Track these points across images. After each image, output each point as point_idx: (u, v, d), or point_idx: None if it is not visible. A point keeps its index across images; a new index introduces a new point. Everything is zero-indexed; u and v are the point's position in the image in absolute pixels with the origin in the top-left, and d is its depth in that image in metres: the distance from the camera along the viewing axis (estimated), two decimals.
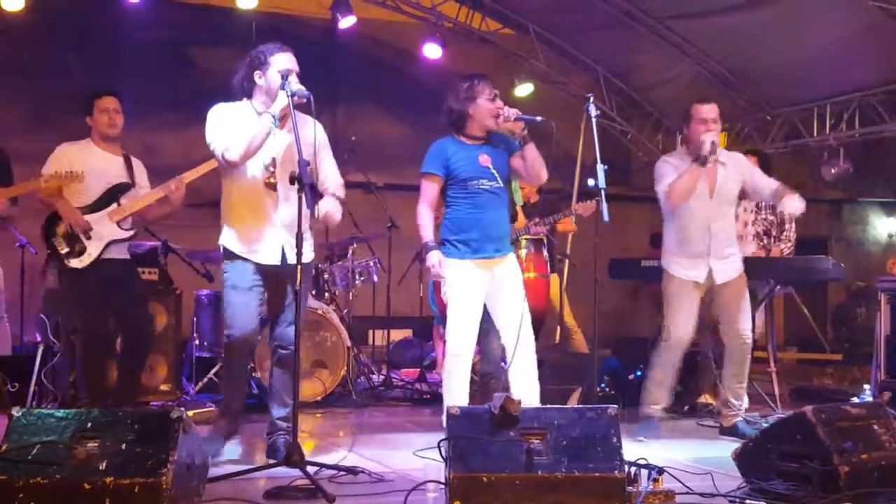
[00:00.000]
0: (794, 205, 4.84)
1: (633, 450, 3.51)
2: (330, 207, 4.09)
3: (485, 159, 4.37)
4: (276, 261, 4.11)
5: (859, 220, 13.20)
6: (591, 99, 4.25)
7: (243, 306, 4.12)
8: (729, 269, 4.96)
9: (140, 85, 8.29)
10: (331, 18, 8.21)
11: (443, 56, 8.69)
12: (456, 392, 4.33)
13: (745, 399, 5.17)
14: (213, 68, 8.47)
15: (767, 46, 7.37)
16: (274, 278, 4.15)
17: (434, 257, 4.35)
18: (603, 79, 8.92)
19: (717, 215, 4.91)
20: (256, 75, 4.10)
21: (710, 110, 4.87)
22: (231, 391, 4.34)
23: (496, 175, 4.37)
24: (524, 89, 9.02)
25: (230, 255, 4.16)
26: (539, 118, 4.34)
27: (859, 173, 9.21)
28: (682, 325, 4.91)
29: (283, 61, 4.05)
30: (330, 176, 4.27)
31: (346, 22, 8.11)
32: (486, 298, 4.43)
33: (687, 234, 4.94)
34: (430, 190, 4.42)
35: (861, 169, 9.25)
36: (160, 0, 8.66)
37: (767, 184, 5.02)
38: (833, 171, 8.47)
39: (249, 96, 4.17)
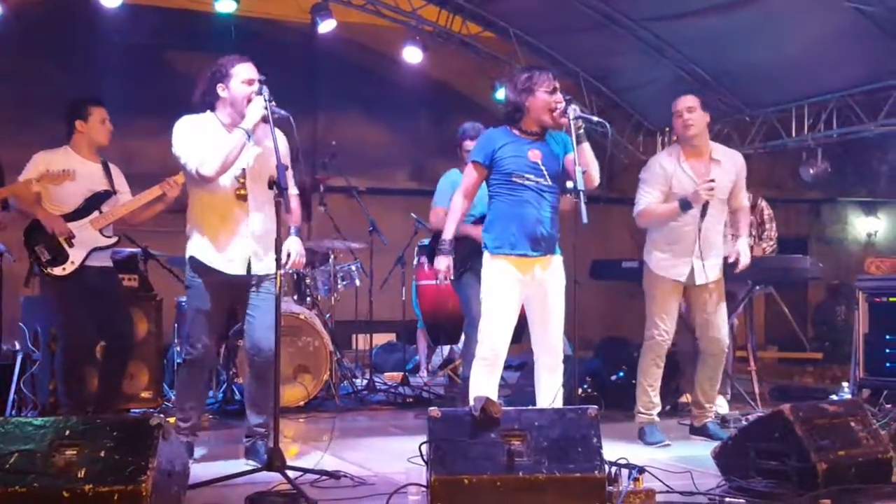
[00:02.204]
0: (744, 255, 4.88)
1: (613, 450, 3.54)
2: (296, 249, 4.17)
3: (534, 154, 4.17)
4: (243, 271, 4.14)
5: (838, 219, 13.32)
6: (571, 101, 4.25)
7: (205, 324, 4.17)
8: (711, 271, 4.92)
9: (118, 90, 8.24)
10: (311, 22, 8.19)
11: (423, 60, 8.70)
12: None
13: (721, 400, 5.17)
14: (193, 73, 8.29)
15: (746, 48, 7.42)
16: (240, 288, 4.19)
17: (442, 263, 4.20)
18: (583, 81, 8.95)
19: (709, 216, 4.82)
20: (220, 88, 4.13)
21: (682, 101, 4.90)
22: (196, 404, 4.29)
23: (545, 172, 4.17)
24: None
25: (198, 267, 4.18)
26: (596, 118, 4.32)
27: (838, 173, 9.30)
28: (663, 323, 4.89)
29: (244, 71, 4.09)
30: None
31: (326, 26, 8.09)
32: (525, 300, 4.22)
33: (675, 234, 4.88)
34: (469, 178, 4.26)
35: (839, 169, 9.33)
36: (139, 5, 8.63)
37: (740, 198, 5.00)
38: (812, 171, 8.53)
39: (213, 109, 4.20)
